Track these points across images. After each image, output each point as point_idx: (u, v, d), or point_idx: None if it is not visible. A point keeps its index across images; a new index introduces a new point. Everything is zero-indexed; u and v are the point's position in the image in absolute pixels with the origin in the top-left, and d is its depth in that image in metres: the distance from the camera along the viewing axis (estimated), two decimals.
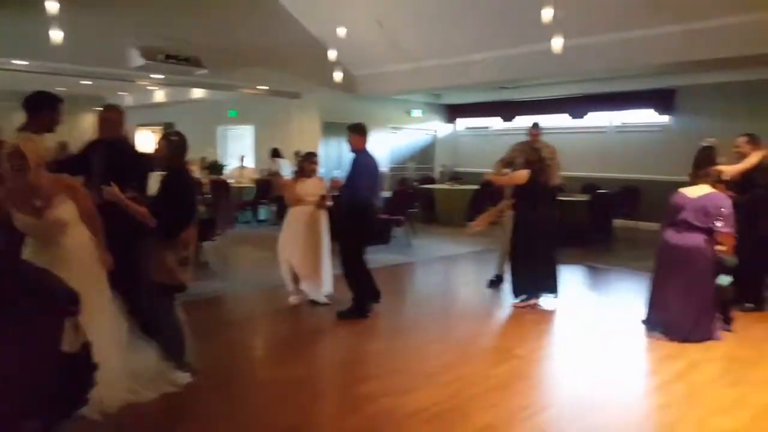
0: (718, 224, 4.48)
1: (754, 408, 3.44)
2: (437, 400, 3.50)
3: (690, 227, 4.56)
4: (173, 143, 3.70)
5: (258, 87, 11.94)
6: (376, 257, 5.58)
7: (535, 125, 6.36)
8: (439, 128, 14.60)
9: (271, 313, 5.56)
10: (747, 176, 5.40)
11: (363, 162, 5.22)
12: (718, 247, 4.56)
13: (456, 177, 13.25)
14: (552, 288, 5.63)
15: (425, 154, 14.51)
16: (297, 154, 9.71)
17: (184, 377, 3.57)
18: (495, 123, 13.64)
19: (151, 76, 10.86)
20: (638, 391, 3.87)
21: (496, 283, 6.29)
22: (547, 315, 5.47)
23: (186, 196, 3.70)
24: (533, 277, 5.58)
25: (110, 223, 3.42)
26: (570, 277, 7.26)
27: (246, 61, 10.25)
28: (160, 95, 15.53)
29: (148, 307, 3.61)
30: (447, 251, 8.72)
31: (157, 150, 3.73)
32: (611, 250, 8.83)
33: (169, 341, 3.59)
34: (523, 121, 12.77)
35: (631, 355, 4.48)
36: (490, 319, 5.40)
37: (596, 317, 5.35)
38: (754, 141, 5.52)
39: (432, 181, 13.19)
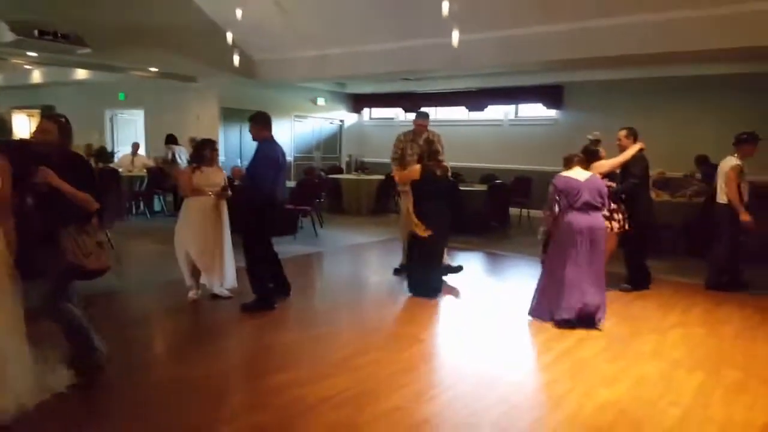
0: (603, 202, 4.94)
1: (631, 378, 3.81)
2: (346, 386, 3.56)
3: (593, 208, 4.82)
4: (64, 126, 3.46)
5: (149, 69, 11.24)
6: (282, 248, 5.51)
7: (422, 114, 6.37)
8: (346, 118, 14.61)
9: (171, 310, 5.31)
10: (624, 167, 5.87)
11: (266, 152, 5.10)
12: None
13: (363, 167, 13.36)
14: (437, 289, 5.72)
15: (331, 143, 14.48)
16: (192, 140, 9.31)
17: (63, 380, 3.38)
18: (400, 113, 13.89)
19: (28, 53, 9.89)
20: (531, 369, 4.16)
21: (401, 271, 6.42)
22: (449, 301, 5.70)
23: (95, 178, 3.64)
24: (426, 275, 5.67)
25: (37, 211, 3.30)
26: (470, 264, 7.60)
27: (136, 41, 9.57)
28: (36, 75, 14.16)
29: (57, 297, 3.46)
30: (354, 240, 8.80)
31: (44, 134, 3.43)
32: (508, 237, 9.35)
33: (78, 331, 3.52)
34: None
35: (524, 336, 4.77)
36: (395, 306, 5.53)
37: (493, 302, 5.64)
38: (633, 134, 6.02)
39: (339, 170, 13.20)
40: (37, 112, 16.41)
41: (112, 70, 11.39)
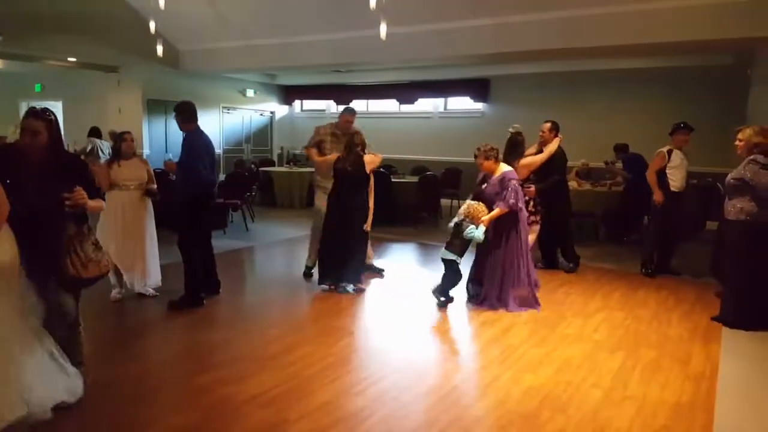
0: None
1: (556, 362, 3.95)
2: (276, 383, 3.50)
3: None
4: (54, 123, 3.17)
5: (67, 59, 10.62)
6: (213, 243, 5.33)
7: (350, 110, 6.10)
8: (276, 110, 14.35)
9: (93, 310, 4.99)
10: (546, 163, 6.01)
11: (195, 142, 4.93)
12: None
13: (295, 159, 13.17)
14: (352, 278, 5.54)
15: (262, 136, 14.19)
16: (112, 134, 8.83)
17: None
18: (332, 106, 13.78)
19: None
20: (461, 356, 4.24)
21: (310, 272, 6.09)
22: (379, 292, 5.72)
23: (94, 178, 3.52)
24: (337, 265, 5.49)
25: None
26: (401, 254, 7.68)
27: (53, 29, 9.03)
28: None
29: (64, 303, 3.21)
30: (285, 234, 8.66)
31: (33, 135, 3.05)
32: (439, 227, 9.46)
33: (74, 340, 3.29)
34: (358, 105, 13.10)
35: (455, 324, 4.87)
36: (327, 300, 5.46)
37: (423, 291, 5.67)
38: (556, 128, 6.23)
39: (271, 163, 12.95)
40: None
41: (25, 59, 10.68)
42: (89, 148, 9.98)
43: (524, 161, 5.84)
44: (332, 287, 5.57)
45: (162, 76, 10.97)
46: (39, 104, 12.71)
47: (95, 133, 10.25)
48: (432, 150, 12.15)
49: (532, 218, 5.94)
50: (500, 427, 3.07)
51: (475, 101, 11.88)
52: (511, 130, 6.01)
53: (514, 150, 5.82)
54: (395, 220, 9.31)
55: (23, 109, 13.40)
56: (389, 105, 12.99)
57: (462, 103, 12.26)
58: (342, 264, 5.49)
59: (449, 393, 3.48)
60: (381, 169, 10.32)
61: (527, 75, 10.78)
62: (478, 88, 11.68)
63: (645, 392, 3.51)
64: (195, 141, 4.92)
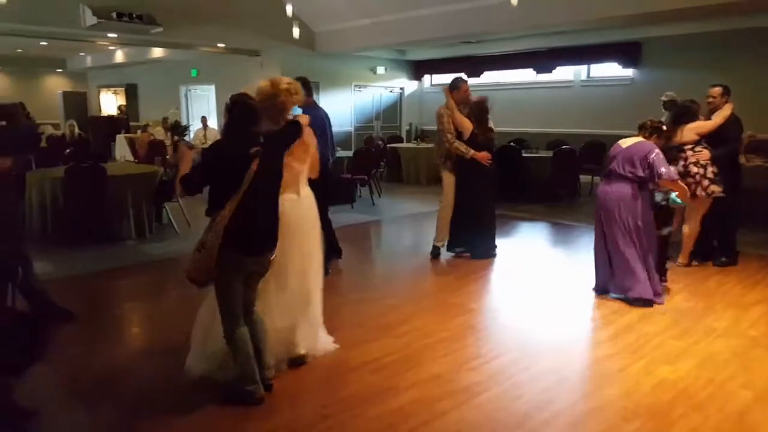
0: (659, 171, 4.27)
1: (698, 357, 3.49)
2: (389, 351, 3.51)
3: (618, 177, 4.41)
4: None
5: (217, 45, 11.53)
6: (339, 217, 5.50)
7: (461, 79, 5.74)
8: (406, 85, 14.38)
9: None
10: (720, 129, 5.26)
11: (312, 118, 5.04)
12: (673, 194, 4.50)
13: (422, 135, 13.12)
14: (489, 252, 5.73)
15: (392, 112, 14.31)
16: None
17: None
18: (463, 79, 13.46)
19: (108, 35, 10.41)
20: (587, 341, 3.93)
21: (438, 252, 5.96)
22: (505, 272, 5.50)
23: None
24: (475, 235, 5.65)
25: None
26: (533, 234, 7.32)
27: (204, 18, 9.87)
28: (120, 55, 14.94)
29: None
30: (410, 210, 8.67)
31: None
32: (575, 207, 8.89)
33: None
34: (490, 77, 12.66)
35: (583, 308, 4.50)
36: (449, 275, 5.39)
37: (553, 273, 5.36)
38: (727, 92, 5.42)
39: (399, 140, 13.04)
40: (122, 89, 17.39)
41: (183, 47, 11.83)
42: None
43: (692, 125, 5.19)
44: (463, 254, 5.68)
45: (299, 57, 11.44)
46: (196, 88, 14.03)
47: None
48: (571, 122, 11.35)
49: (714, 187, 5.17)
50: (622, 417, 2.79)
51: (623, 67, 10.83)
52: (663, 98, 5.41)
53: (682, 118, 5.20)
54: (526, 198, 8.90)
55: (183, 93, 14.93)
56: (523, 75, 12.36)
57: (608, 69, 11.26)
58: (475, 232, 5.59)
59: (569, 377, 3.24)
60: (510, 143, 9.93)
61: (684, 36, 9.56)
62: (626, 53, 10.60)
63: None
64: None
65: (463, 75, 6.08)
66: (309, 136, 3.35)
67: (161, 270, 5.53)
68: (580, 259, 5.79)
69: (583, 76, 11.58)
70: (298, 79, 5.10)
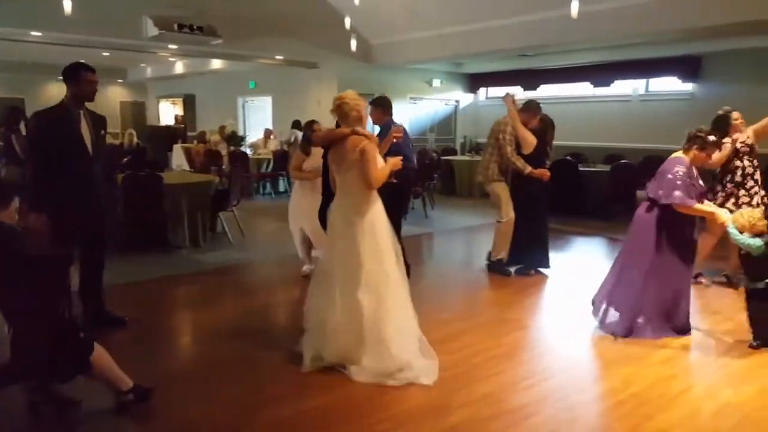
0: (659, 192, 3.88)
1: (764, 380, 3.38)
2: (442, 367, 3.48)
3: (649, 198, 4.11)
4: None
5: (275, 57, 11.88)
6: None
7: (539, 109, 5.69)
8: (461, 98, 14.38)
9: (285, 281, 5.63)
10: None
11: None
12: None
13: (477, 148, 13.07)
14: (544, 262, 5.73)
15: (446, 124, 14.34)
16: (295, 124, 9.50)
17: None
18: (518, 92, 13.36)
19: (169, 46, 10.87)
20: (645, 362, 3.81)
21: (496, 265, 5.89)
22: (561, 288, 5.43)
23: None
24: (529, 248, 5.64)
25: None
26: (588, 249, 7.20)
27: (262, 31, 10.18)
28: (179, 66, 15.58)
29: None
30: (464, 223, 8.68)
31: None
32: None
33: None
34: (546, 90, 12.51)
35: None
36: (503, 290, 5.36)
37: None
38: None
39: (453, 152, 13.04)
40: (179, 100, 18.12)
41: (242, 59, 12.24)
42: (292, 138, 11.08)
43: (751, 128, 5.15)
44: (525, 271, 5.70)
45: (355, 69, 11.65)
46: (253, 99, 14.42)
47: (297, 125, 11.33)
48: (629, 136, 11.09)
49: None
50: None
51: (683, 81, 10.54)
52: (720, 112, 5.25)
53: (719, 129, 5.02)
54: (582, 213, 8.75)
55: (240, 104, 15.41)
56: (580, 89, 12.17)
57: (665, 83, 10.98)
58: (535, 247, 5.62)
59: (626, 400, 3.18)
60: (567, 157, 9.78)
61: (746, 50, 9.22)
62: (686, 67, 10.33)
63: None
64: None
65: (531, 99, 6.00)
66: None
67: (214, 279, 5.65)
68: None
69: (642, 90, 11.32)
70: (380, 97, 5.17)
